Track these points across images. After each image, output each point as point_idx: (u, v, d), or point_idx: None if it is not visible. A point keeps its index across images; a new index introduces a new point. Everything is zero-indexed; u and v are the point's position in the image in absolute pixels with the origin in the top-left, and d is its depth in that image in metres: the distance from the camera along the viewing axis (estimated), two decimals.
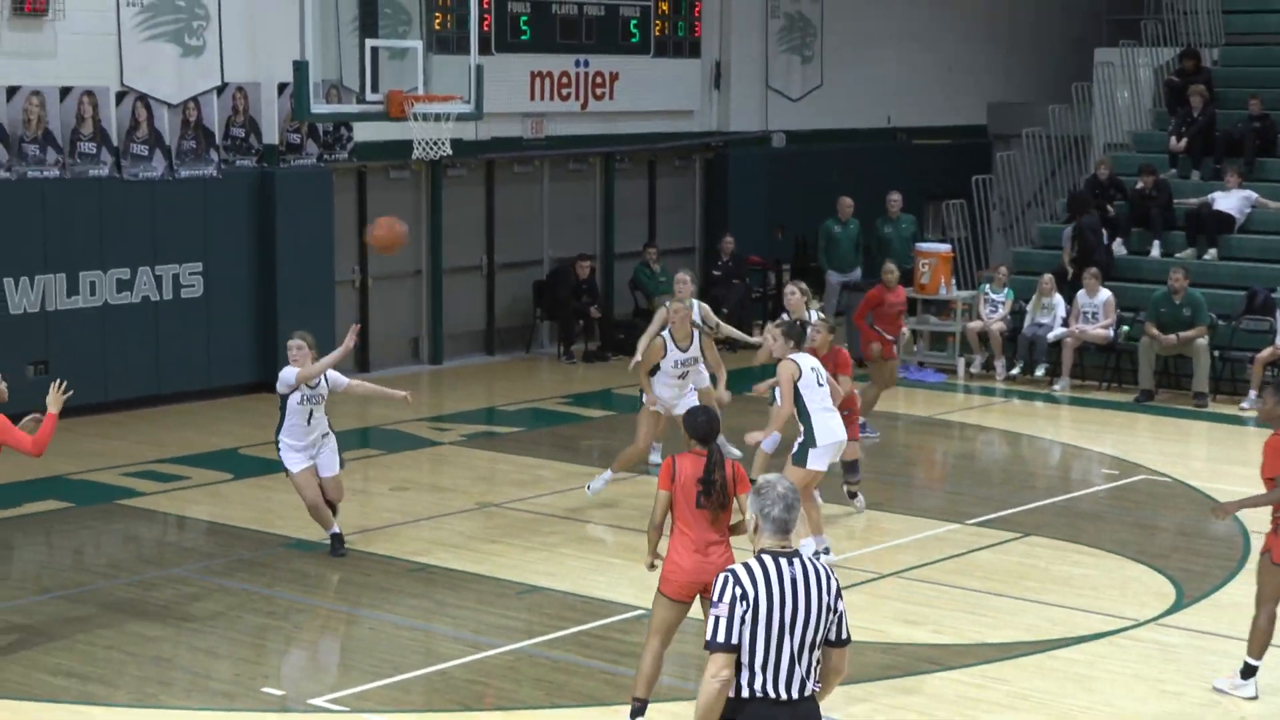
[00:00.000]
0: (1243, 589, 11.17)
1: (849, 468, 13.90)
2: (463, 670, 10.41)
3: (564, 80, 21.87)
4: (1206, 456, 17.18)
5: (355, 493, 15.00)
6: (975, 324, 20.75)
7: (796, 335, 12.25)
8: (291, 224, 18.89)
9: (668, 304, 14.81)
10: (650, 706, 9.15)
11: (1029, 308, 20.47)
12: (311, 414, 12.39)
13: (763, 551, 6.41)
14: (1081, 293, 20.07)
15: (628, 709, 9.15)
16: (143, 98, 17.79)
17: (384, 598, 11.86)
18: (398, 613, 11.53)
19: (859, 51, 25.66)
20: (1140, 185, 21.81)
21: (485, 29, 20.07)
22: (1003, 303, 20.78)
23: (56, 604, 11.09)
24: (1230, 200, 21.49)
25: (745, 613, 6.28)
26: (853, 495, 14.05)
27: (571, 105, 22.01)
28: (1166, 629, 11.34)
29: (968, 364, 20.80)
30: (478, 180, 21.70)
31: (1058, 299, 20.22)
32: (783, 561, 6.37)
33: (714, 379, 14.77)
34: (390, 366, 20.51)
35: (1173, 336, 18.94)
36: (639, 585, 12.05)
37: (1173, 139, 22.97)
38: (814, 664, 6.40)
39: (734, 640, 6.28)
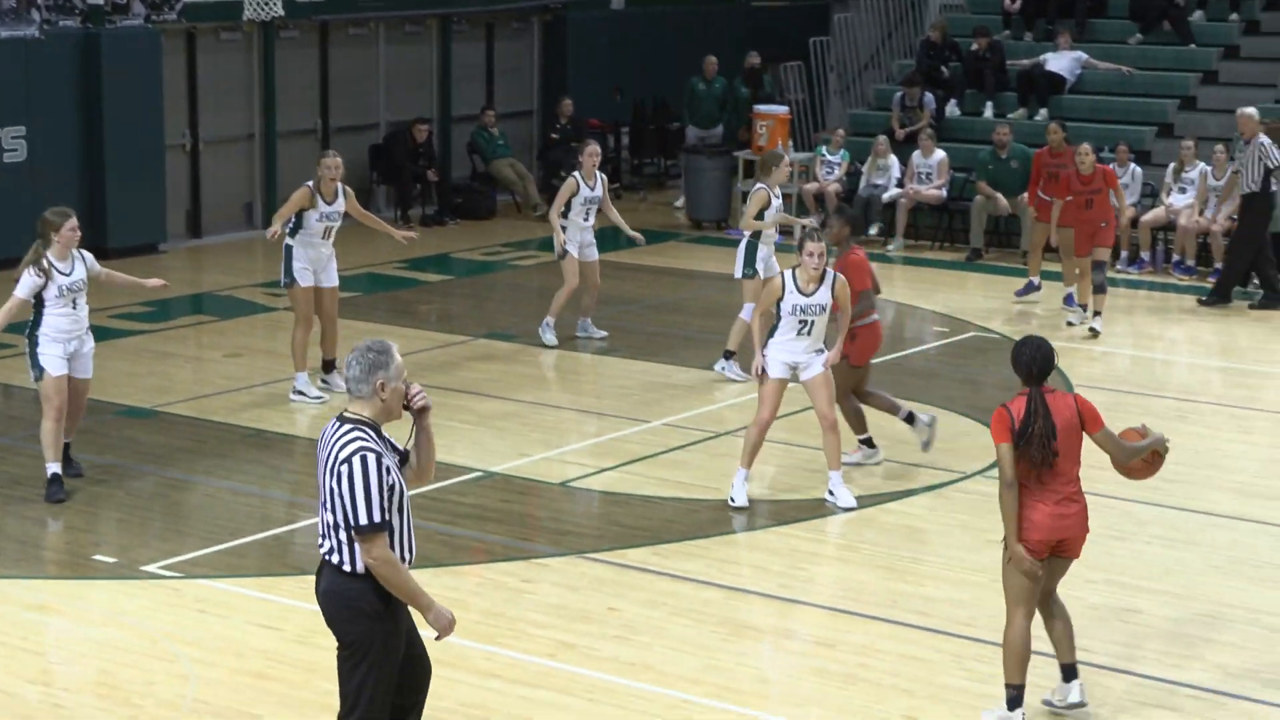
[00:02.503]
0: None
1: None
2: (300, 535, 10.39)
3: None
4: (1039, 312, 17.48)
5: (189, 359, 14.86)
6: (811, 185, 20.89)
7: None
8: (118, 87, 18.41)
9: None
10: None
11: (864, 169, 20.63)
12: (75, 303, 10.84)
13: None
14: (916, 154, 20.27)
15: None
16: None
17: (219, 464, 11.78)
18: (234, 479, 11.46)
19: None
20: (975, 47, 21.99)
21: None
22: (839, 164, 20.92)
23: None
24: (1061, 61, 21.75)
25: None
26: None
27: None
28: (993, 481, 11.58)
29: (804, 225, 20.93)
30: (311, 42, 21.28)
31: (893, 160, 20.39)
32: (333, 423, 6.69)
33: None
34: (223, 233, 20.18)
35: (1001, 197, 19.26)
36: (477, 447, 12.11)
37: (1007, 0, 23.17)
38: (331, 527, 6.73)
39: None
